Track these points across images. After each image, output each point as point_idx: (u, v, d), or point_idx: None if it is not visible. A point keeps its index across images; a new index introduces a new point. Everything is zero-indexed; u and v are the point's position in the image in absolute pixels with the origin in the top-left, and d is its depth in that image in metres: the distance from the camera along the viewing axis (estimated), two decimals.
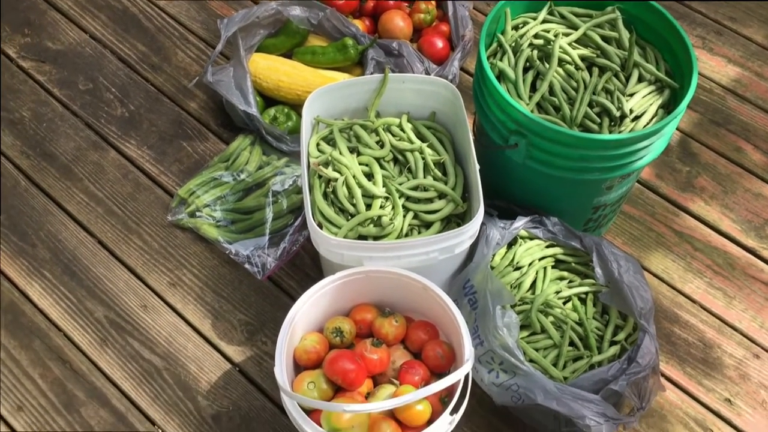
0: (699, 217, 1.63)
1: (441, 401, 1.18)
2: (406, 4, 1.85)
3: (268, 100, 1.71)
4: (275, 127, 1.64)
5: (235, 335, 1.46)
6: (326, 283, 1.22)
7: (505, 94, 1.25)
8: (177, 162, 1.68)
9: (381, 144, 1.37)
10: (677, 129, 1.76)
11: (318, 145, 1.37)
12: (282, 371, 1.12)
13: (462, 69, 1.81)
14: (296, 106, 1.69)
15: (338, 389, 1.19)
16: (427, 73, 1.70)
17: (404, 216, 1.29)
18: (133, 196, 1.63)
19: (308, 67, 1.69)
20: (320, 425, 1.10)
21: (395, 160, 1.38)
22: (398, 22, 1.78)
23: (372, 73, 1.65)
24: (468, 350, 1.14)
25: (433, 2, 1.85)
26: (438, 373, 1.23)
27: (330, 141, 1.39)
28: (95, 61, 1.83)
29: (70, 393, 1.40)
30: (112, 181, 1.65)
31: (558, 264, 1.36)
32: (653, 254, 1.58)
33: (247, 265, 1.51)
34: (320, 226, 1.29)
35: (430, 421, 1.14)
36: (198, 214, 1.57)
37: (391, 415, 1.16)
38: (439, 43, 1.75)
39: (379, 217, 1.27)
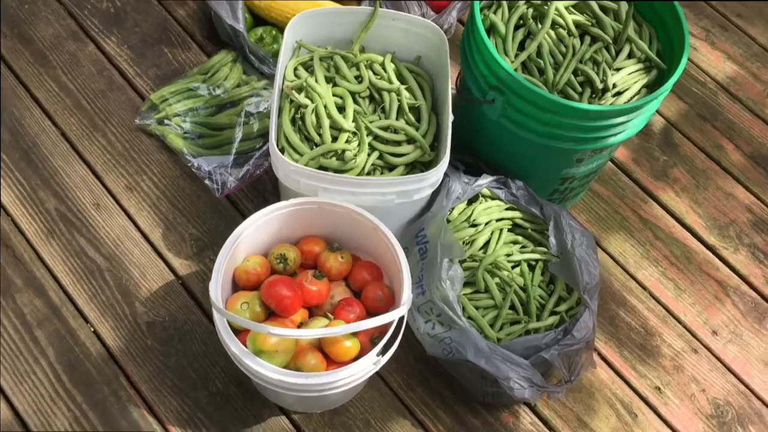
0: (667, 207, 1.62)
1: (371, 341, 1.17)
2: None
3: (258, 19, 1.66)
4: (260, 47, 1.60)
5: (184, 248, 1.45)
6: (278, 208, 1.21)
7: (491, 47, 1.22)
8: (155, 67, 1.64)
9: (360, 79, 1.35)
10: (662, 117, 1.74)
11: (296, 69, 1.34)
12: (217, 287, 1.11)
13: (459, 21, 1.78)
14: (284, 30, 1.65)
15: (271, 314, 1.18)
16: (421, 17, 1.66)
17: (369, 154, 1.27)
18: (104, 94, 1.59)
19: None
20: (246, 346, 1.09)
21: (371, 98, 1.35)
22: None
23: (365, 3, 1.61)
24: (406, 295, 1.14)
25: None
26: (374, 315, 1.23)
27: (309, 68, 1.36)
28: None
29: (8, 278, 1.38)
30: (86, 75, 1.61)
31: (514, 228, 1.35)
32: (614, 236, 1.57)
33: (207, 181, 1.49)
34: (282, 150, 1.27)
35: (357, 359, 1.13)
36: (167, 122, 1.54)
37: (319, 347, 1.15)
38: None
39: (344, 151, 1.25)
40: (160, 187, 1.50)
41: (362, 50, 1.40)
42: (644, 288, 1.52)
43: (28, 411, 1.28)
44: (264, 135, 1.54)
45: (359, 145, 1.26)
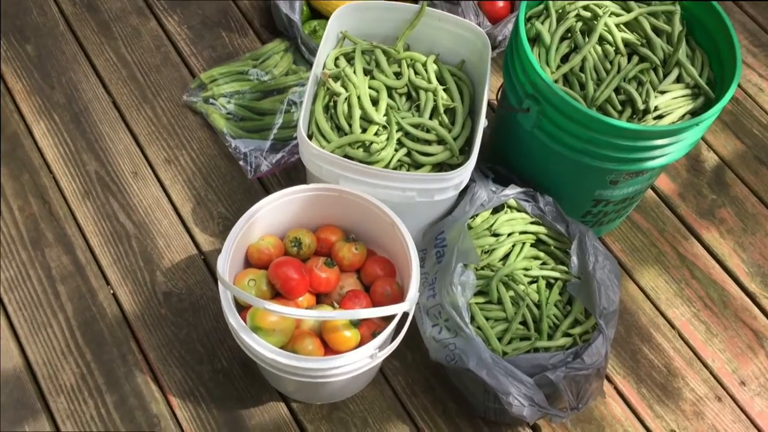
0: (709, 247, 1.55)
1: (373, 335, 1.16)
2: None
3: (315, 13, 1.68)
4: (312, 39, 1.62)
5: (210, 225, 1.47)
6: (297, 191, 1.21)
7: (530, 55, 1.20)
8: (210, 48, 1.68)
9: (399, 76, 1.34)
10: (716, 154, 1.67)
11: (336, 59, 1.35)
12: (225, 260, 1.12)
13: None
14: None
15: (277, 295, 1.18)
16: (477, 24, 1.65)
17: (396, 150, 1.26)
18: (158, 69, 1.64)
19: None
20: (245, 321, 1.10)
21: (408, 96, 1.34)
22: None
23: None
24: (412, 292, 1.12)
25: None
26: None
27: (350, 59, 1.36)
28: None
29: (41, 231, 1.43)
30: (144, 49, 1.66)
31: (538, 243, 1.32)
32: (648, 269, 1.51)
33: (241, 162, 1.51)
34: (311, 137, 1.27)
35: None
36: (212, 101, 1.57)
37: (319, 335, 1.14)
38: (500, 2, 1.69)
39: (371, 142, 1.24)
40: (197, 164, 1.53)
41: (406, 48, 1.40)
42: (673, 326, 1.46)
43: (39, 361, 1.31)
44: None
45: (387, 139, 1.26)
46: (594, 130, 1.17)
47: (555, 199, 1.34)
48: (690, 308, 1.48)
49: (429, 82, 1.34)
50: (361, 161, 1.24)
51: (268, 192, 1.51)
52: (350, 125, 1.26)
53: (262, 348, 1.05)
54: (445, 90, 1.34)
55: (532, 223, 1.31)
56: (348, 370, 1.08)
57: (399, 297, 1.21)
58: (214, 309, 1.38)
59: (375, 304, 1.21)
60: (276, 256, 1.21)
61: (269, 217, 1.21)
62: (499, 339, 1.22)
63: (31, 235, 1.42)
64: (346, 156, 1.24)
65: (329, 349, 1.13)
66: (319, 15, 1.68)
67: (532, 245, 1.31)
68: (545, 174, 1.34)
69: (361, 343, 1.14)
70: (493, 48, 1.66)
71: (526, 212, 1.32)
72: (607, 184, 1.30)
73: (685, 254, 1.54)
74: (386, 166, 1.25)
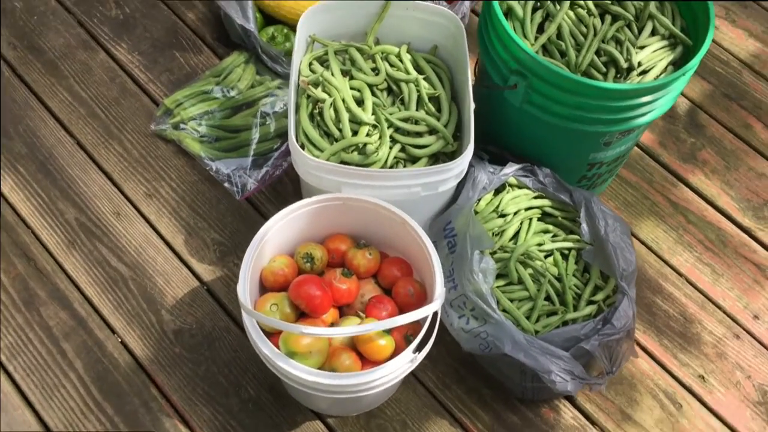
0: (697, 190, 1.58)
1: (406, 339, 1.14)
2: None
3: (268, 18, 1.64)
4: (272, 46, 1.58)
5: (207, 254, 1.42)
6: (301, 206, 1.18)
7: (510, 30, 1.18)
8: (167, 72, 1.62)
9: (376, 71, 1.31)
10: (687, 98, 1.69)
11: (311, 64, 1.31)
12: (245, 289, 1.09)
13: (473, 11, 1.74)
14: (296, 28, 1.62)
15: (301, 315, 1.15)
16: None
17: (391, 147, 1.24)
18: (118, 101, 1.57)
19: None
20: (278, 348, 1.06)
21: (389, 90, 1.32)
22: None
23: None
24: (439, 289, 1.10)
25: None
26: (407, 312, 1.19)
27: (324, 62, 1.33)
28: None
29: (31, 291, 1.36)
30: (99, 83, 1.59)
31: (544, 217, 1.31)
32: (645, 222, 1.53)
33: (226, 184, 1.46)
34: (302, 147, 1.24)
35: (392, 358, 1.10)
36: (182, 126, 1.52)
37: (353, 347, 1.12)
38: None
39: (364, 144, 1.21)
40: (180, 193, 1.48)
41: (377, 42, 1.37)
42: (680, 274, 1.48)
43: (59, 425, 1.25)
44: (281, 135, 1.51)
45: (380, 138, 1.23)
46: (586, 96, 1.17)
47: (551, 170, 1.34)
48: (692, 253, 1.50)
49: (407, 73, 1.31)
50: (358, 164, 1.22)
51: (258, 210, 1.47)
52: (340, 130, 1.23)
53: (302, 373, 1.03)
54: (425, 79, 1.32)
55: (535, 197, 1.30)
56: (390, 379, 1.06)
57: (422, 294, 1.19)
58: (229, 339, 1.34)
59: (399, 305, 1.19)
60: (291, 276, 1.18)
61: (277, 237, 1.18)
62: (527, 318, 1.22)
63: (22, 296, 1.35)
64: (342, 162, 1.21)
65: (366, 361, 1.11)
66: (273, 20, 1.64)
67: (539, 219, 1.30)
68: (538, 147, 1.34)
69: (395, 348, 1.12)
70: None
71: (528, 188, 1.31)
72: (600, 146, 1.30)
73: (677, 201, 1.56)
74: (383, 166, 1.22)
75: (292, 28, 1.62)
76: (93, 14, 1.68)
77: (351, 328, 1.00)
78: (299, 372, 1.03)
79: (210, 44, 1.67)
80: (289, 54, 1.59)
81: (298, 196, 1.49)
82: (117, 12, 1.69)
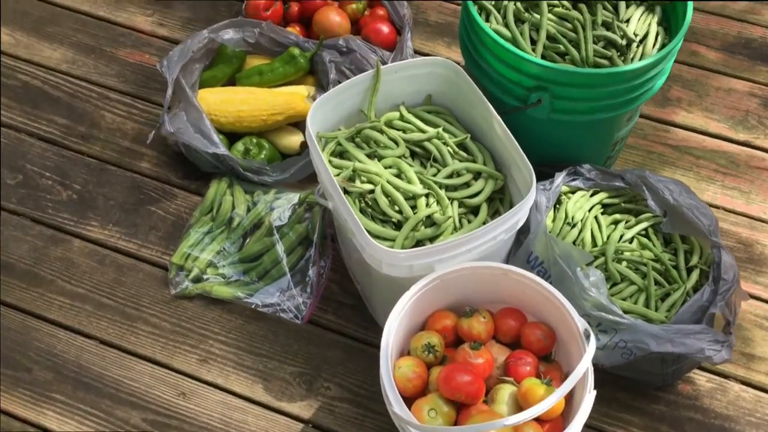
0: (687, 126, 1.64)
1: (563, 381, 1.10)
2: None
3: (229, 135, 1.55)
4: (251, 160, 1.50)
5: (294, 391, 1.32)
6: (405, 301, 1.12)
7: (518, 51, 1.18)
8: (153, 230, 1.50)
9: (395, 142, 1.27)
10: None
11: (330, 162, 1.25)
12: (403, 408, 1.01)
13: (416, 51, 1.73)
14: (262, 134, 1.55)
15: (458, 407, 1.09)
16: (383, 62, 1.61)
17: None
18: (119, 281, 1.44)
19: (265, 89, 1.56)
20: None
21: (413, 155, 1.28)
22: (334, 17, 1.67)
23: (334, 77, 1.54)
24: (579, 321, 1.08)
25: None
26: (542, 356, 1.16)
27: (339, 154, 1.27)
28: (15, 150, 1.61)
29: None
30: (89, 271, 1.45)
31: (606, 208, 1.32)
32: (662, 175, 1.57)
33: (281, 314, 1.37)
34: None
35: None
36: (204, 277, 1.41)
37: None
38: (385, 29, 1.66)
39: (429, 215, 1.17)
40: (233, 343, 1.37)
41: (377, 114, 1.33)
42: (717, 207, 1.53)
43: None
44: (302, 242, 1.44)
45: (439, 203, 1.19)
46: (612, 84, 1.19)
47: (581, 161, 1.34)
48: (715, 184, 1.56)
49: (423, 131, 1.28)
50: (432, 238, 1.17)
51: (318, 324, 1.39)
52: (399, 212, 1.18)
53: None
54: (443, 130, 1.29)
55: (591, 195, 1.31)
56: (581, 423, 1.03)
57: (551, 333, 1.16)
58: None
59: (534, 353, 1.15)
60: (424, 375, 1.11)
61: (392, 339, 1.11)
62: (647, 308, 1.21)
63: None
64: (418, 243, 1.16)
65: (544, 422, 1.07)
66: (233, 136, 1.55)
67: (603, 214, 1.31)
68: (566, 148, 1.35)
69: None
70: None
71: (581, 188, 1.31)
72: (623, 123, 1.33)
73: (677, 143, 1.62)
74: (455, 228, 1.19)
75: (257, 134, 1.55)
76: (44, 206, 1.53)
77: (541, 405, 0.95)
78: None
79: (179, 184, 1.56)
80: (270, 161, 1.52)
81: (347, 292, 1.42)
82: (67, 193, 1.55)
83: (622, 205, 1.31)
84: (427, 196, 1.20)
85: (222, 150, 1.46)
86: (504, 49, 1.19)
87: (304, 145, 1.55)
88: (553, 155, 1.36)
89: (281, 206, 1.47)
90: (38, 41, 1.78)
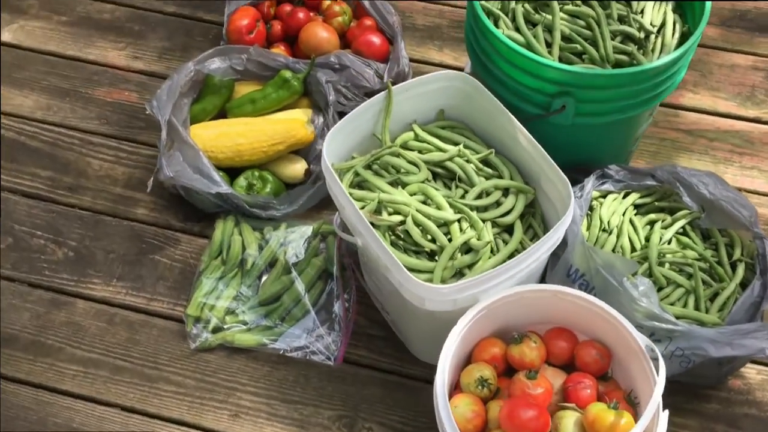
0: (696, 108, 1.60)
1: (629, 401, 1.06)
2: (314, 14, 1.66)
3: (228, 170, 1.47)
4: (257, 195, 1.42)
5: None
6: (454, 338, 1.05)
7: (537, 57, 1.12)
8: (160, 280, 1.42)
9: (415, 165, 1.20)
10: None
11: (351, 195, 1.18)
12: None
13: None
14: (263, 166, 1.47)
15: None
16: (378, 75, 1.54)
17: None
18: (132, 340, 1.35)
19: (261, 118, 1.48)
20: None
21: (434, 176, 1.22)
22: (322, 33, 1.59)
23: (333, 99, 1.46)
24: (639, 337, 1.03)
25: (341, 0, 1.68)
26: (600, 376, 1.11)
27: (358, 184, 1.20)
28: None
29: None
30: (99, 334, 1.36)
31: (638, 209, 1.27)
32: (679, 161, 1.53)
33: (311, 357, 1.30)
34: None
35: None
36: (224, 327, 1.33)
37: None
38: (376, 40, 1.59)
39: (466, 242, 1.11)
40: (264, 393, 1.29)
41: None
42: (739, 190, 1.49)
43: None
44: (321, 276, 1.37)
45: (472, 226, 1.13)
46: (637, 83, 1.14)
47: (607, 162, 1.29)
48: (733, 165, 1.52)
49: (442, 150, 1.22)
50: (470, 265, 1.11)
51: (349, 362, 1.32)
52: (433, 241, 1.12)
53: None
54: (464, 146, 1.22)
55: (624, 197, 1.25)
56: None
57: (606, 351, 1.11)
58: None
59: (592, 373, 1.10)
60: (482, 413, 1.05)
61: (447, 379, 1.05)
62: (698, 310, 1.17)
63: None
64: (459, 273, 1.10)
65: None
66: (233, 171, 1.47)
67: (636, 215, 1.26)
68: (589, 149, 1.30)
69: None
70: (403, 80, 1.56)
71: (612, 192, 1.26)
72: (646, 118, 1.28)
73: (689, 128, 1.57)
74: (492, 251, 1.12)
75: (258, 167, 1.47)
76: (39, 268, 1.43)
77: None
78: None
79: (181, 228, 1.48)
80: (277, 195, 1.44)
81: (377, 324, 1.35)
82: (63, 251, 1.45)
83: (656, 204, 1.26)
84: (459, 220, 1.14)
85: (225, 188, 1.38)
86: (521, 55, 1.13)
87: (308, 173, 1.48)
88: (575, 158, 1.30)
89: (295, 241, 1.39)
90: (7, 89, 1.67)
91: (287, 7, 1.65)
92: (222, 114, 1.54)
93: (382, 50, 1.58)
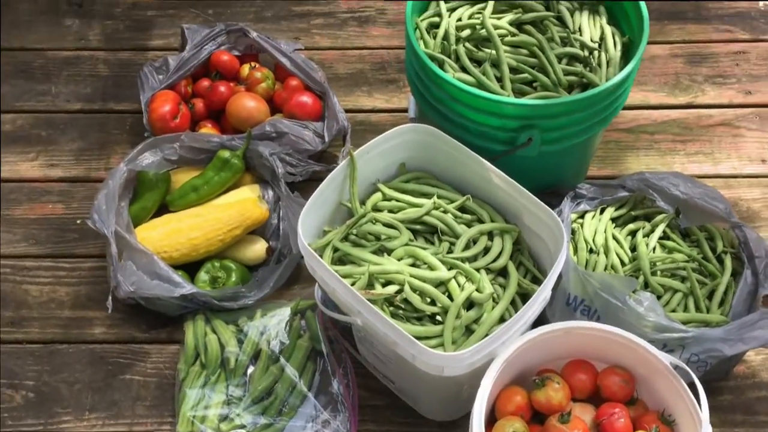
0: (630, 106, 1.63)
1: (664, 421, 1.04)
2: (234, 84, 1.59)
3: (188, 267, 1.38)
4: (224, 288, 1.33)
5: None
6: (481, 401, 1.01)
7: (496, 97, 1.10)
8: (138, 401, 1.31)
9: (393, 228, 1.16)
10: None
11: (337, 272, 1.12)
12: None
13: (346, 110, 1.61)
14: (221, 254, 1.39)
15: None
16: (318, 135, 1.49)
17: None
18: None
19: (210, 206, 1.40)
20: None
21: (414, 233, 1.17)
22: (249, 103, 1.52)
23: (281, 171, 1.40)
24: (663, 356, 1.01)
25: (256, 63, 1.62)
26: (628, 402, 1.09)
27: (339, 260, 1.14)
28: None
29: None
30: None
31: (615, 221, 1.27)
32: (629, 161, 1.55)
33: None
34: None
35: None
36: None
37: None
38: (307, 99, 1.53)
39: (468, 297, 1.07)
40: None
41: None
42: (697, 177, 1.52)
43: None
44: (311, 354, 1.30)
45: (468, 279, 1.09)
46: (598, 103, 1.14)
47: (570, 181, 1.29)
48: (678, 154, 1.56)
49: (415, 205, 1.18)
50: (476, 320, 1.07)
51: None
52: (434, 302, 1.07)
53: None
54: (438, 197, 1.19)
55: (600, 213, 1.25)
56: None
57: (630, 376, 1.09)
58: None
59: (620, 400, 1.08)
60: None
61: None
62: (699, 311, 1.17)
63: None
64: (467, 329, 1.06)
65: None
66: (189, 267, 1.38)
67: (615, 227, 1.25)
68: (557, 172, 1.29)
69: None
70: (344, 136, 1.52)
71: (588, 211, 1.25)
72: (602, 132, 1.28)
73: (629, 125, 1.61)
74: (494, 300, 1.09)
75: (216, 257, 1.38)
76: (1, 418, 1.30)
77: None
78: None
79: (147, 339, 1.37)
80: (244, 282, 1.36)
81: (376, 393, 1.29)
82: (21, 394, 1.32)
83: (631, 213, 1.26)
84: (455, 276, 1.10)
85: (189, 288, 1.29)
86: (479, 97, 1.10)
87: (270, 251, 1.41)
88: (541, 184, 1.29)
89: (275, 326, 1.32)
90: None
91: (205, 83, 1.57)
92: (163, 208, 1.44)
93: (315, 109, 1.53)
